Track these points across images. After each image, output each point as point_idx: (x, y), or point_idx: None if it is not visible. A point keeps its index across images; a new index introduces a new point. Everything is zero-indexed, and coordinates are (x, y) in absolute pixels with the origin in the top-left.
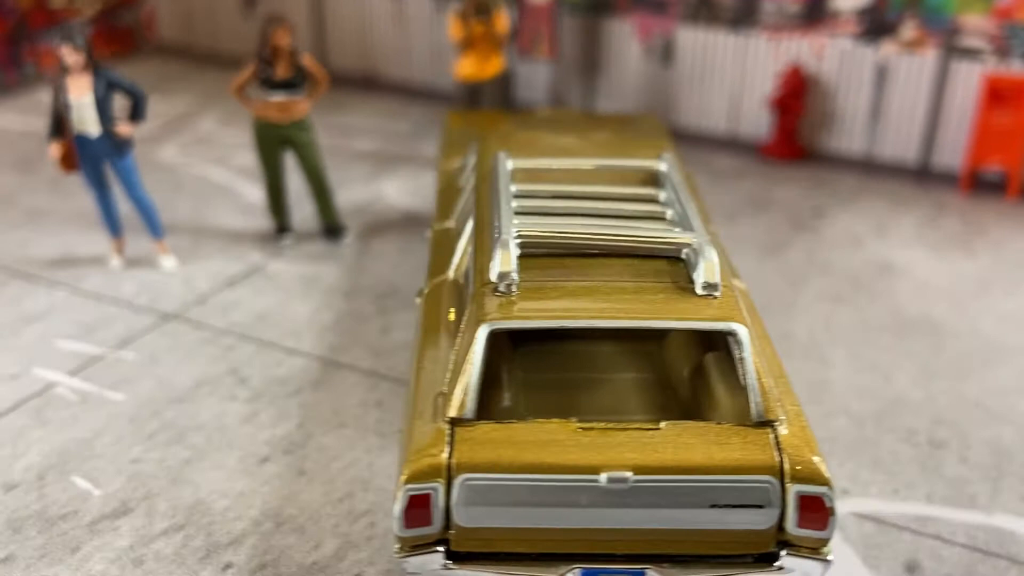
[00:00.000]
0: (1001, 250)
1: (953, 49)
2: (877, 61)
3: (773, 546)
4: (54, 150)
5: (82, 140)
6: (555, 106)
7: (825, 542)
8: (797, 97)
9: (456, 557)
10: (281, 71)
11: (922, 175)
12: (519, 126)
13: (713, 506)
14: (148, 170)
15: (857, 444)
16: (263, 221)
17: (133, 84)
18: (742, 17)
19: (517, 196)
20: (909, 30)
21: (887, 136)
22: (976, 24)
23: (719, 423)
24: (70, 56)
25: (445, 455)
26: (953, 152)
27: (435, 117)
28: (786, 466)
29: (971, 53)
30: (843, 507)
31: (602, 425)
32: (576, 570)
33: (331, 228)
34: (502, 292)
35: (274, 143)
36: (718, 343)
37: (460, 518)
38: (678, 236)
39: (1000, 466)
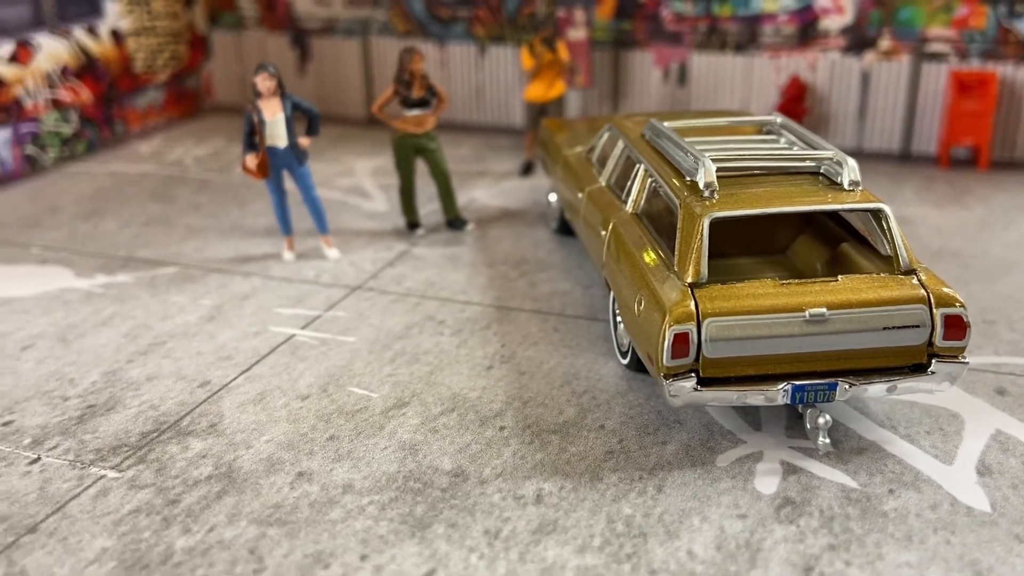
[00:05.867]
0: (989, 202)
1: (922, 54)
2: (861, 69)
3: (924, 358)
4: (250, 161)
5: (272, 151)
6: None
7: (963, 350)
8: (799, 102)
9: (703, 383)
10: (416, 91)
11: (905, 159)
12: (625, 117)
13: (885, 328)
14: None
15: None
16: (387, 223)
17: (311, 105)
18: (746, 41)
19: (691, 141)
20: (886, 42)
21: (874, 131)
22: (940, 33)
23: (877, 274)
24: (267, 82)
25: (693, 306)
26: (928, 138)
27: (483, 144)
28: (932, 297)
29: (937, 56)
30: None
31: (795, 281)
32: (787, 386)
33: (455, 220)
34: (707, 196)
35: (410, 151)
36: (846, 238)
37: (708, 351)
38: (822, 152)
39: None
